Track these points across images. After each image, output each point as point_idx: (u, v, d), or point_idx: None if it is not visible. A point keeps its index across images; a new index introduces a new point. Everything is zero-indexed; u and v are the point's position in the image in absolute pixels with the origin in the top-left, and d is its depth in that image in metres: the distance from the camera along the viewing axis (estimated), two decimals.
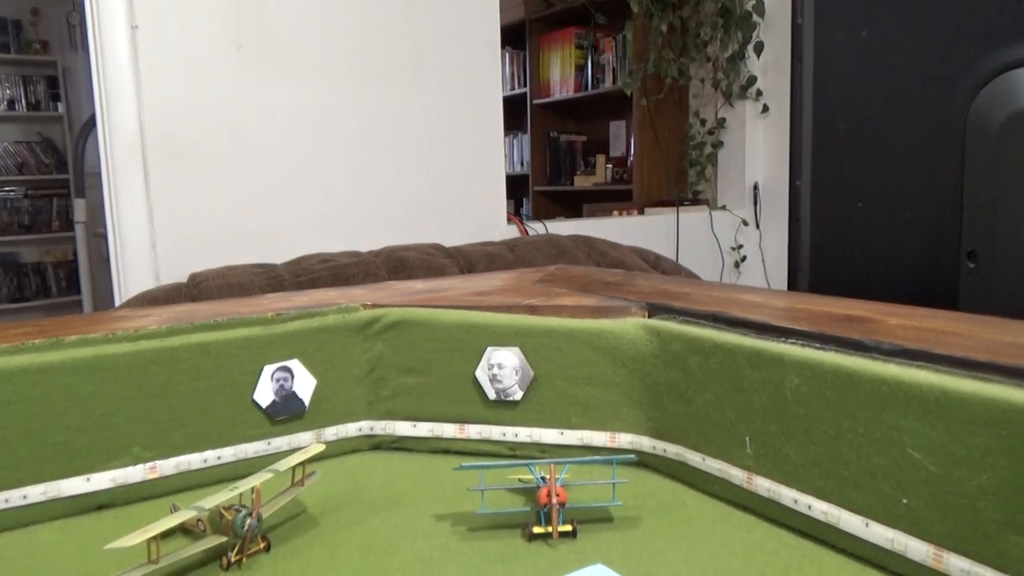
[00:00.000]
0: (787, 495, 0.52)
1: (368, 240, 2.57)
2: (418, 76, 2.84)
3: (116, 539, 0.47)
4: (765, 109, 3.79)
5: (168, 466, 0.61)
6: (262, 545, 0.52)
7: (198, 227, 2.29)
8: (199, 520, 0.52)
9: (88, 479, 0.58)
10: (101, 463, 0.59)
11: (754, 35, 3.70)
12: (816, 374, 0.50)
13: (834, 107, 0.80)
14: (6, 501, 0.56)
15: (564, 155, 4.93)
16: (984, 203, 0.67)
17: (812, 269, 0.84)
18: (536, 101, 4.90)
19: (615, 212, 3.81)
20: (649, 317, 0.65)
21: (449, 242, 2.37)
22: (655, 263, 2.62)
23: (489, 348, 0.66)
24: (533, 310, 0.67)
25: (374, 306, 0.70)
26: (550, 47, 4.62)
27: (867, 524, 0.47)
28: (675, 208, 3.63)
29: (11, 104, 4.35)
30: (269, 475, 0.53)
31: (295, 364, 0.66)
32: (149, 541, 0.46)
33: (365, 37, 2.66)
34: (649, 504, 0.57)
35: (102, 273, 3.16)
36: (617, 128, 4.64)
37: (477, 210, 3.12)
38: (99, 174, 2.05)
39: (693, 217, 3.65)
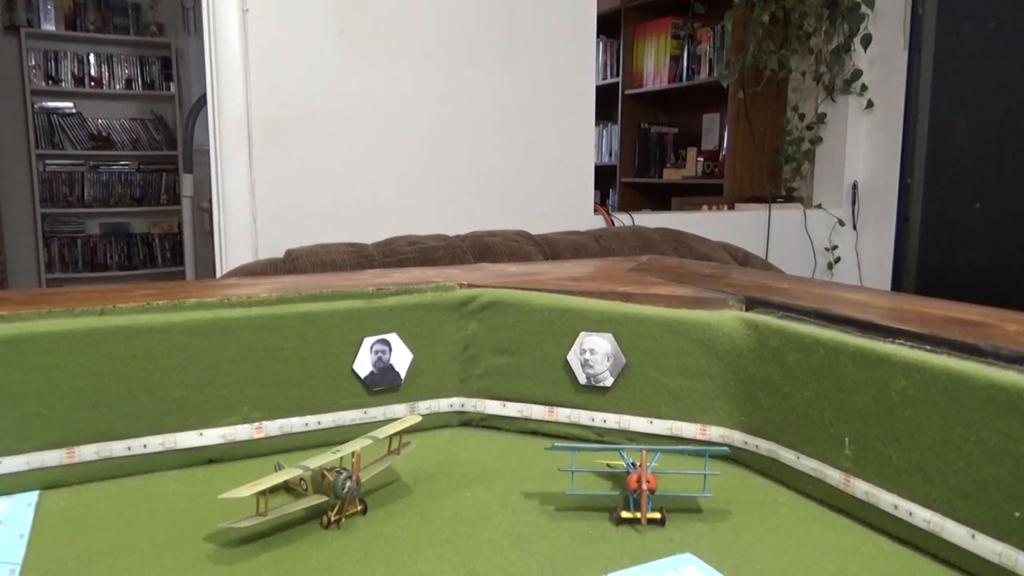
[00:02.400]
0: (887, 500, 0.51)
1: (455, 225, 2.61)
2: (511, 62, 2.85)
3: (225, 490, 0.50)
4: (870, 105, 3.63)
5: (273, 427, 0.64)
6: (359, 508, 0.54)
7: (296, 205, 2.37)
8: (302, 479, 0.54)
9: (201, 434, 0.62)
10: (213, 420, 0.62)
11: (862, 27, 3.54)
12: (925, 377, 0.49)
13: (954, 103, 0.77)
14: (128, 449, 0.60)
15: (654, 147, 4.87)
16: None
17: (919, 271, 0.81)
18: (628, 91, 4.84)
19: (704, 207, 3.73)
20: (747, 311, 0.64)
21: (535, 230, 2.38)
22: (744, 260, 2.56)
23: (582, 333, 0.67)
24: (628, 297, 0.67)
25: (470, 286, 0.72)
26: (645, 36, 4.55)
27: (973, 535, 0.46)
28: (767, 205, 3.53)
29: (128, 83, 4.61)
30: (368, 441, 0.55)
31: (393, 338, 0.68)
32: (258, 495, 0.49)
33: (461, 23, 2.69)
34: (739, 499, 0.57)
35: (204, 246, 3.32)
36: (710, 121, 4.54)
37: (564, 199, 3.12)
38: (206, 151, 2.15)
39: (786, 215, 3.54)
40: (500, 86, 2.86)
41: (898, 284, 0.85)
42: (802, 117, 3.91)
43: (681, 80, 4.53)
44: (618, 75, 4.76)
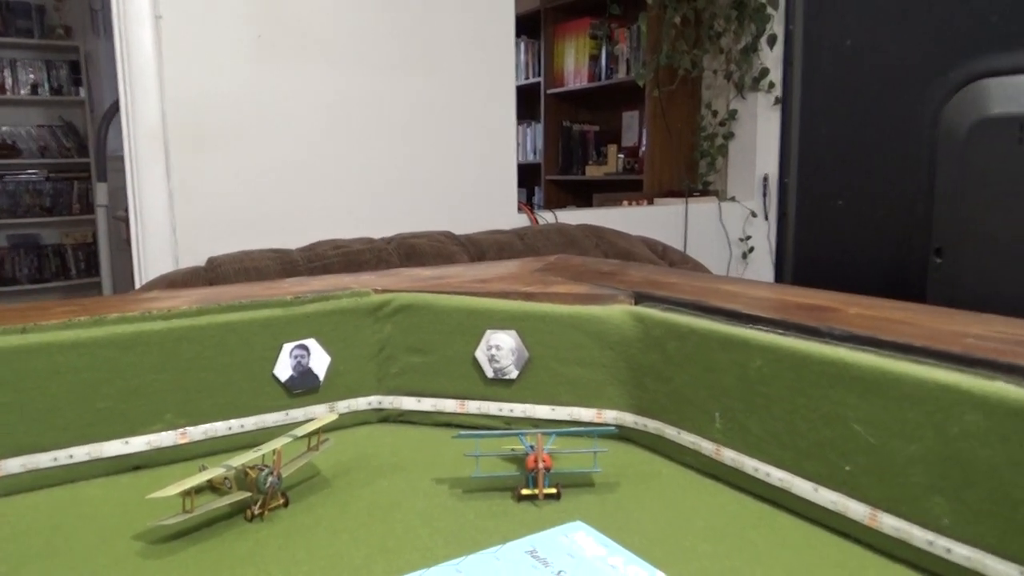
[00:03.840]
0: (749, 464, 0.58)
1: (381, 227, 2.64)
2: (432, 64, 2.88)
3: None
4: (777, 101, 3.80)
5: (197, 432, 0.68)
6: (281, 501, 0.58)
7: (216, 212, 2.36)
8: (226, 478, 0.58)
9: (127, 442, 0.65)
10: (138, 428, 0.65)
11: (767, 27, 3.71)
12: (777, 356, 0.56)
13: (819, 111, 0.85)
14: (54, 460, 0.63)
15: (576, 144, 4.96)
16: (951, 203, 0.73)
17: (796, 262, 0.90)
18: (550, 91, 4.92)
19: (625, 202, 3.84)
20: (635, 304, 0.70)
21: (460, 230, 2.43)
22: (663, 253, 2.67)
23: (488, 331, 0.73)
24: (529, 296, 0.73)
25: (384, 291, 0.77)
26: (565, 37, 4.65)
27: (816, 489, 0.53)
28: (685, 199, 3.67)
29: (34, 88, 4.44)
30: (288, 440, 0.60)
31: (312, 343, 0.72)
32: (184, 493, 0.53)
33: (381, 26, 2.70)
34: (628, 472, 0.63)
35: (121, 256, 3.25)
36: (630, 118, 4.67)
37: (488, 199, 3.17)
38: (121, 159, 2.12)
39: (702, 208, 3.68)
40: (422, 88, 2.88)
41: (780, 273, 0.94)
42: (715, 114, 4.06)
43: (601, 79, 4.63)
44: (540, 75, 4.84)
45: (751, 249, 3.79)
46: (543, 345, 0.72)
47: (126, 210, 2.12)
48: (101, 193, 3.19)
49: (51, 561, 0.51)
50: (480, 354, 0.73)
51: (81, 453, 0.63)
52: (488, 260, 2.20)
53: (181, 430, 0.67)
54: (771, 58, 3.85)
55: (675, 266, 2.52)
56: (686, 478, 0.62)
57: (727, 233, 3.75)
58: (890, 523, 0.49)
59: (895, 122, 0.77)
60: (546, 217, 3.38)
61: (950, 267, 0.73)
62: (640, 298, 0.71)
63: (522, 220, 3.30)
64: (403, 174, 2.94)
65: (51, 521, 0.57)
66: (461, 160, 3.09)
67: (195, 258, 2.18)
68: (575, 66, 4.71)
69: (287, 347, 0.71)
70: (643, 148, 4.26)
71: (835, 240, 0.85)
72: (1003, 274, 0.70)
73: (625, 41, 4.34)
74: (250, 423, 0.70)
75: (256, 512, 0.56)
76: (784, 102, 0.89)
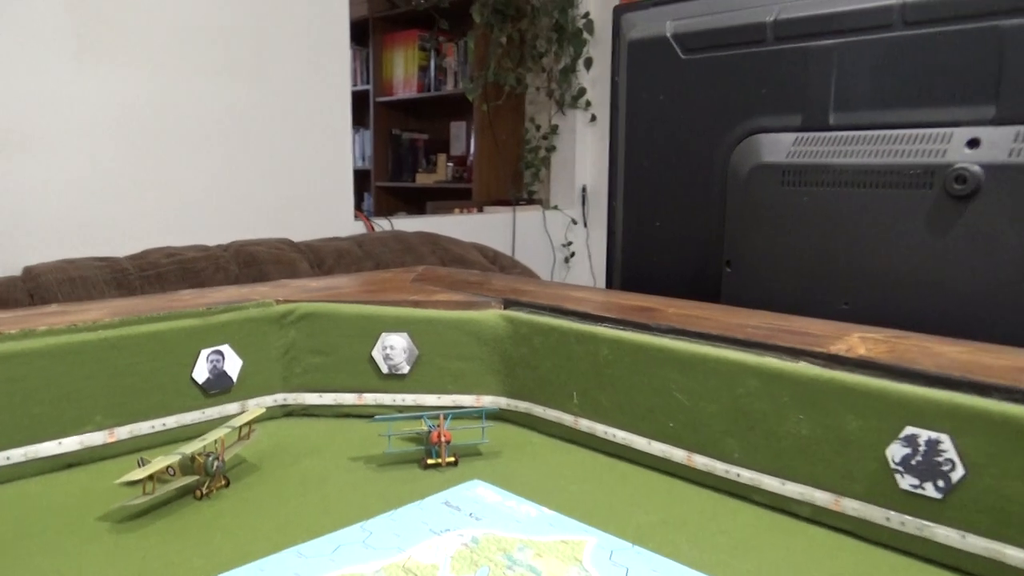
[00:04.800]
0: (600, 429, 0.76)
1: (216, 234, 2.63)
2: (264, 69, 2.87)
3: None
4: (593, 118, 4.16)
5: (124, 431, 0.75)
6: (223, 482, 0.68)
7: (34, 220, 2.26)
8: (169, 466, 0.67)
9: (60, 443, 0.71)
10: (70, 430, 0.72)
11: (584, 51, 4.05)
12: (618, 346, 0.75)
13: (640, 150, 1.07)
14: None
15: (406, 152, 5.08)
16: (737, 226, 0.96)
17: (624, 271, 1.11)
18: (379, 99, 4.99)
19: (456, 210, 4.02)
20: (505, 309, 0.87)
21: (298, 237, 2.48)
22: (494, 259, 2.87)
23: (383, 333, 0.86)
24: (417, 304, 0.87)
25: (286, 301, 0.87)
26: (393, 46, 4.74)
27: (649, 443, 0.72)
28: (512, 207, 3.91)
29: None
30: (228, 430, 0.70)
31: (226, 348, 0.82)
32: (149, 478, 0.62)
33: (210, 30, 2.67)
34: (507, 443, 0.79)
35: None
36: (458, 128, 4.85)
37: (325, 205, 3.21)
38: None
39: (528, 216, 3.95)
40: (254, 92, 2.87)
41: (611, 281, 1.15)
42: (538, 128, 4.36)
43: (430, 90, 4.78)
44: (368, 82, 4.90)
45: (572, 254, 4.12)
46: (430, 344, 0.86)
47: None
48: None
49: (29, 542, 0.58)
50: (376, 353, 0.86)
51: (18, 454, 0.69)
52: (328, 267, 2.28)
53: (109, 430, 0.74)
54: (587, 79, 4.20)
55: (505, 271, 2.73)
56: (552, 444, 0.79)
57: (551, 239, 4.05)
58: (701, 461, 0.69)
59: (697, 163, 1.00)
60: (382, 224, 3.47)
61: (737, 276, 0.96)
62: (508, 303, 0.87)
63: (359, 228, 3.37)
64: (235, 181, 2.91)
65: (11, 512, 0.63)
66: (296, 167, 3.10)
67: (9, 268, 2.08)
68: (404, 76, 4.82)
69: (204, 353, 0.80)
70: (471, 158, 4.47)
71: (653, 254, 1.07)
72: (773, 281, 0.94)
73: (453, 55, 4.52)
74: (171, 422, 0.78)
75: (204, 492, 0.66)
76: (612, 141, 1.10)
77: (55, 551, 0.57)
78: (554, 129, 4.21)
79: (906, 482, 0.56)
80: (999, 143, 0.79)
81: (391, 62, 4.79)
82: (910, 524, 0.56)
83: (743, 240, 0.95)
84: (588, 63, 4.10)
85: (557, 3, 3.77)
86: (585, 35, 3.95)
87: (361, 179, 4.96)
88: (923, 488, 0.55)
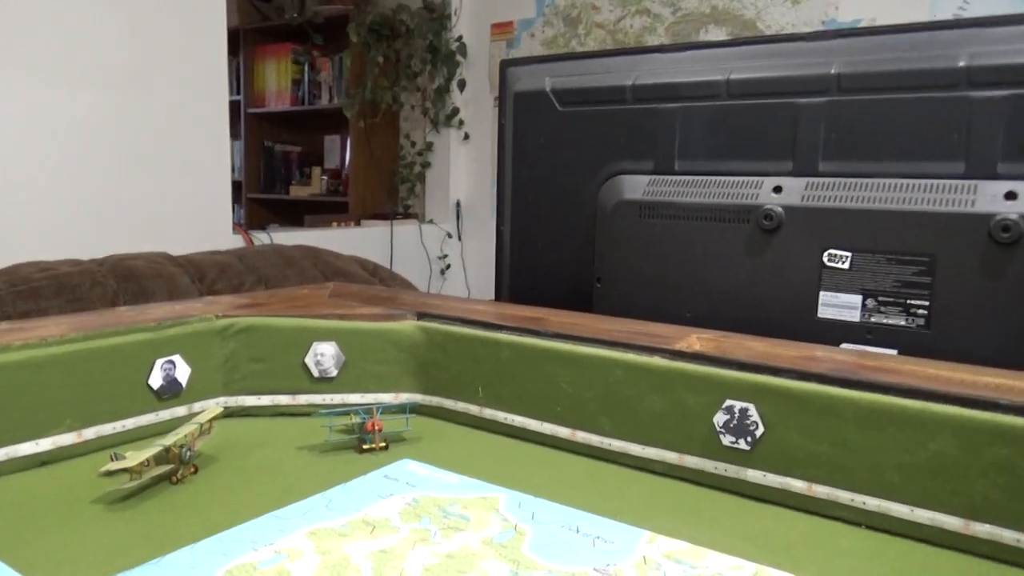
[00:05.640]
0: (500, 416, 0.95)
1: (90, 249, 2.62)
2: (140, 80, 2.86)
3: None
4: (466, 137, 4.36)
5: (89, 433, 0.86)
6: (192, 470, 0.81)
7: None
8: (148, 459, 0.79)
9: (36, 443, 0.81)
10: (44, 432, 0.82)
11: (458, 72, 4.25)
12: (517, 349, 0.94)
13: (524, 184, 1.26)
14: None
15: (279, 164, 5.06)
16: (605, 250, 1.17)
17: (512, 287, 1.30)
18: (251, 110, 4.95)
19: (334, 223, 4.09)
20: (419, 320, 1.04)
21: (176, 250, 2.51)
22: (374, 271, 3.00)
23: (314, 342, 1.00)
24: (343, 317, 1.03)
25: (225, 316, 1.00)
26: (265, 59, 4.74)
27: (541, 424, 0.92)
28: (389, 221, 4.04)
29: None
30: (195, 426, 0.82)
31: (177, 358, 0.94)
32: (141, 464, 0.74)
33: (86, 39, 2.65)
34: (425, 432, 0.96)
35: None
36: (331, 142, 4.90)
37: (203, 218, 3.21)
38: None
39: (405, 229, 4.09)
40: (130, 103, 2.85)
41: (500, 295, 1.34)
42: (413, 144, 4.51)
43: (304, 104, 4.81)
44: (239, 93, 4.85)
45: (448, 266, 4.30)
46: (355, 350, 1.02)
47: None
48: None
49: (33, 525, 0.69)
50: (308, 360, 1.00)
51: (0, 454, 0.79)
52: (210, 281, 2.34)
53: (78, 432, 0.85)
54: (460, 99, 4.40)
55: (385, 283, 2.87)
56: (463, 431, 0.97)
57: (427, 252, 4.20)
58: (581, 436, 0.89)
59: (572, 197, 1.21)
60: (261, 238, 3.49)
61: (606, 291, 1.18)
62: (422, 315, 1.05)
63: (237, 241, 3.39)
64: (111, 193, 2.89)
65: (4, 501, 0.73)
66: (172, 179, 3.09)
67: None
68: (277, 88, 4.82)
69: (159, 362, 0.92)
70: (346, 171, 4.54)
71: (537, 272, 1.28)
72: (634, 295, 1.16)
73: (328, 70, 4.58)
74: (130, 423, 0.90)
75: (179, 477, 0.79)
76: (499, 176, 1.30)
77: (55, 531, 0.68)
78: (429, 146, 4.37)
79: (727, 440, 0.79)
80: (795, 190, 1.05)
81: (263, 74, 4.77)
82: (731, 470, 0.79)
83: (610, 261, 1.17)
84: (462, 84, 4.30)
85: (431, 26, 3.95)
86: (458, 57, 4.14)
87: (233, 190, 4.90)
88: (738, 443, 0.78)
